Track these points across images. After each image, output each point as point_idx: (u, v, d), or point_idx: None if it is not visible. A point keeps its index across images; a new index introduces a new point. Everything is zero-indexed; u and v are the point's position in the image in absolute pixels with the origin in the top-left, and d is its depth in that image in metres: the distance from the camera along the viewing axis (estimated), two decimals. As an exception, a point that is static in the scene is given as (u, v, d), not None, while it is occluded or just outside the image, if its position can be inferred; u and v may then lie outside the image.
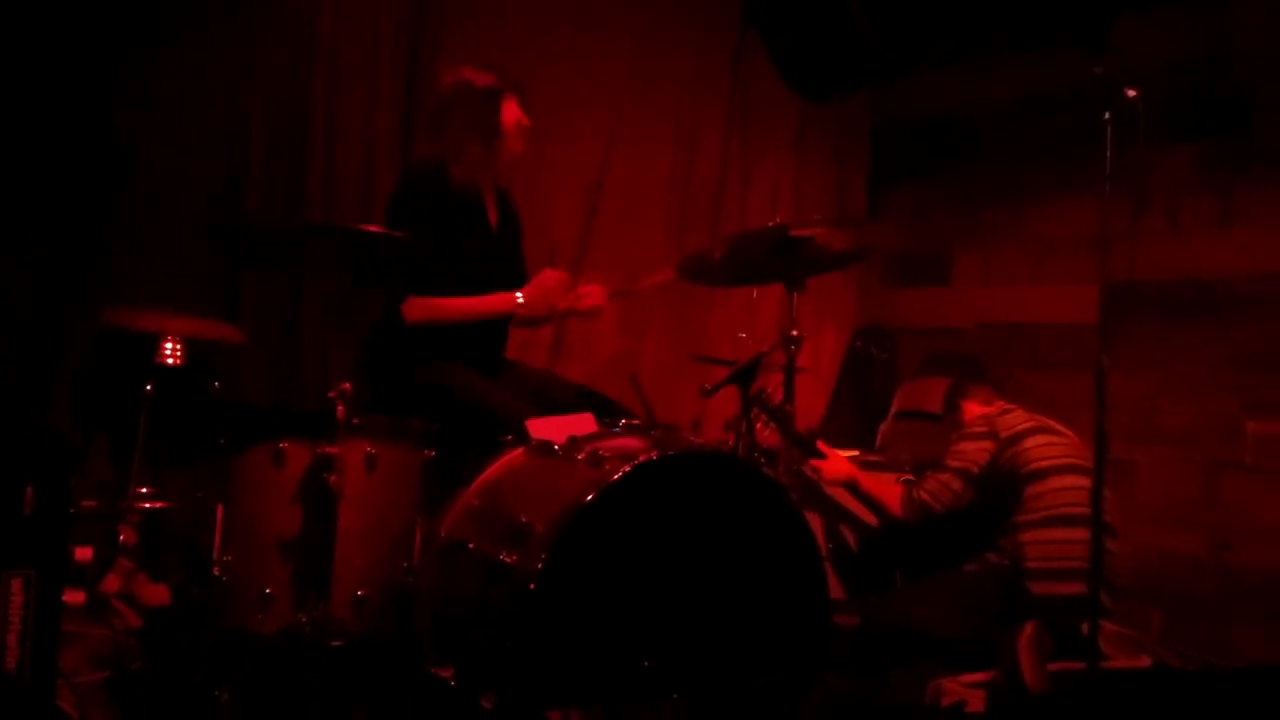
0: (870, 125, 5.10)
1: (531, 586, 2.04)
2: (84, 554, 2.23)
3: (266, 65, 3.59)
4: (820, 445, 3.50)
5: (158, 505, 2.96)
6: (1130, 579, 3.77)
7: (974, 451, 3.44)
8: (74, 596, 2.18)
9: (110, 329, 3.19)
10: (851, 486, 3.60)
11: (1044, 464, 3.34)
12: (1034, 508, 3.31)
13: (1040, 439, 3.40)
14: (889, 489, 3.56)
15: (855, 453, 4.12)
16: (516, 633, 2.08)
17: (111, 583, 2.22)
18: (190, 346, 3.10)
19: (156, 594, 2.27)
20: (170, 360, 3.08)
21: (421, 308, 3.01)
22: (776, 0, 4.64)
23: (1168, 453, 3.89)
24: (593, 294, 3.32)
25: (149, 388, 3.03)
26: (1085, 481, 3.19)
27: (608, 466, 2.20)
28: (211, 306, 3.41)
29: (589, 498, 2.12)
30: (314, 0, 3.65)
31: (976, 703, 2.94)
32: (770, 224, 4.46)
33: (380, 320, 3.11)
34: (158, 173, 3.43)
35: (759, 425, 3.43)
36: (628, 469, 2.15)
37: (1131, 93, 2.94)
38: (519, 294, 3.08)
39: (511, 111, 3.15)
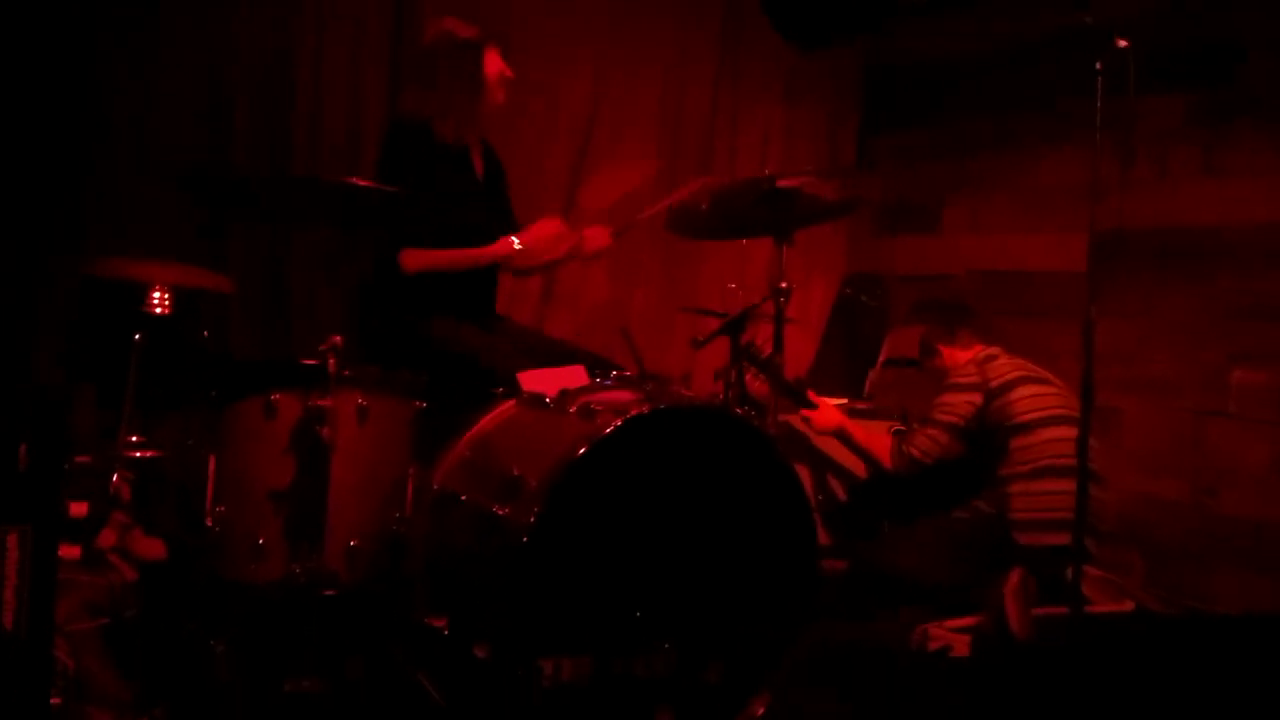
0: (861, 73, 5.06)
1: (524, 540, 2.05)
2: (79, 509, 2.24)
3: (250, 14, 3.52)
4: (810, 395, 3.52)
5: (148, 454, 2.98)
6: (1115, 525, 3.83)
7: (960, 404, 3.48)
8: (70, 551, 2.19)
9: (97, 279, 3.18)
10: (842, 436, 3.63)
11: (1032, 416, 3.38)
12: (1021, 460, 3.35)
13: (1028, 389, 3.43)
14: (879, 439, 3.59)
15: (844, 400, 4.15)
16: (509, 584, 2.10)
17: (107, 537, 2.23)
18: (178, 295, 3.08)
19: (152, 548, 2.29)
20: (158, 309, 3.07)
21: (418, 258, 3.01)
22: (767, -55, 4.59)
23: (1154, 401, 3.92)
24: (597, 236, 3.32)
25: (137, 337, 3.01)
26: (1072, 433, 3.19)
27: (599, 420, 2.21)
28: (200, 256, 3.38)
29: (581, 451, 2.12)
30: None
31: (962, 648, 3.00)
32: (758, 175, 4.51)
33: (371, 273, 3.10)
34: (141, 123, 3.38)
35: (749, 376, 3.45)
36: (619, 422, 2.15)
37: (1122, 43, 2.93)
38: (515, 240, 3.07)
39: (494, 63, 3.13)
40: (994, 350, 3.59)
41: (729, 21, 4.62)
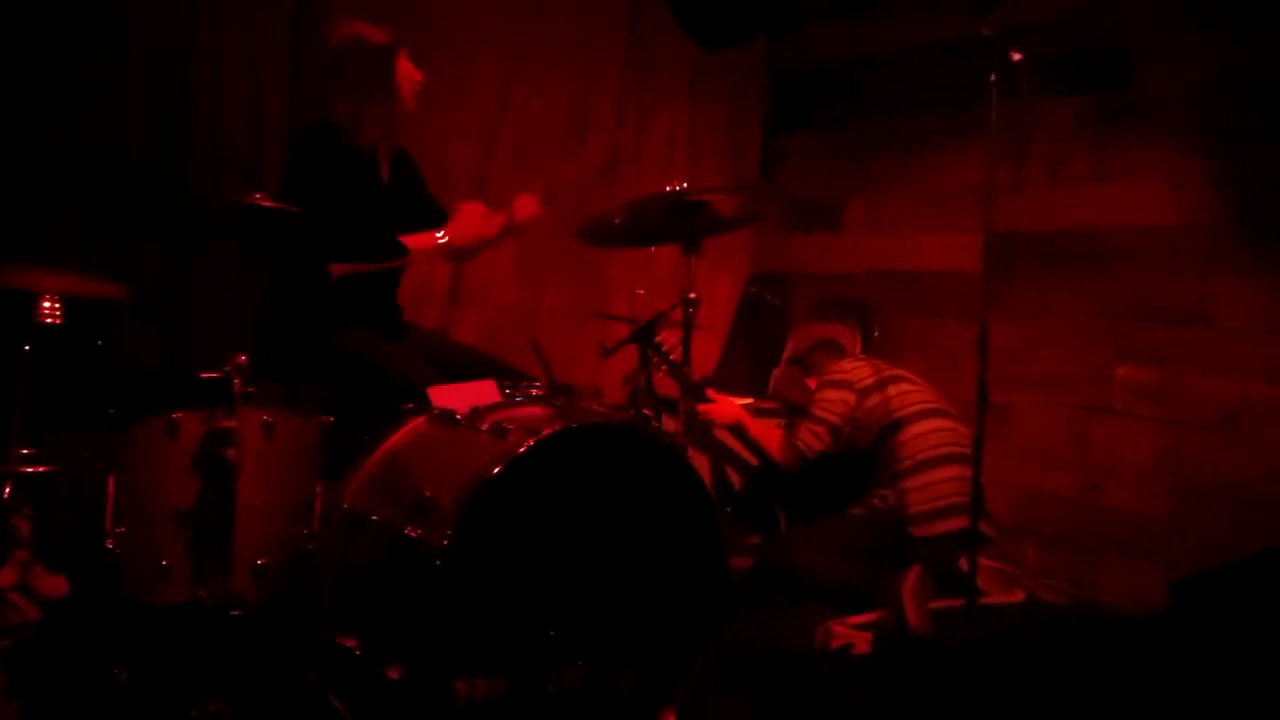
0: (766, 74, 5.12)
1: (438, 562, 2.06)
2: None
3: (146, 20, 3.41)
4: (709, 392, 3.62)
5: (41, 469, 2.89)
6: (1007, 517, 3.99)
7: (835, 402, 3.62)
8: None
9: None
10: (737, 430, 3.73)
11: (906, 411, 3.55)
12: (904, 455, 3.50)
13: (896, 388, 3.60)
14: (772, 433, 3.70)
15: (749, 400, 4.23)
16: (422, 606, 2.11)
17: (7, 575, 2.16)
18: (70, 304, 2.98)
19: (54, 585, 2.23)
20: (49, 319, 2.97)
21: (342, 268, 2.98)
22: (672, -55, 4.61)
23: (1044, 397, 4.07)
24: (526, 204, 3.29)
25: (26, 348, 2.92)
26: (947, 423, 3.54)
27: (512, 439, 2.22)
28: (95, 262, 3.28)
29: (494, 471, 2.14)
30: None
31: (864, 645, 3.08)
32: (663, 175, 4.55)
33: (275, 281, 3.05)
34: (31, 130, 3.26)
35: (656, 376, 3.49)
36: (531, 442, 2.17)
37: (1016, 56, 3.05)
38: (440, 233, 3.05)
39: (406, 70, 3.09)
40: (859, 361, 3.78)
41: (635, 22, 4.63)
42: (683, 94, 4.83)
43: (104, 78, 3.34)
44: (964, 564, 3.53)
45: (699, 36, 4.80)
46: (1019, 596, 3.71)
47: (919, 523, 3.44)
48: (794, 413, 3.94)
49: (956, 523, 3.40)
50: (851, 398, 3.60)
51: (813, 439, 3.58)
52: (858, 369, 3.68)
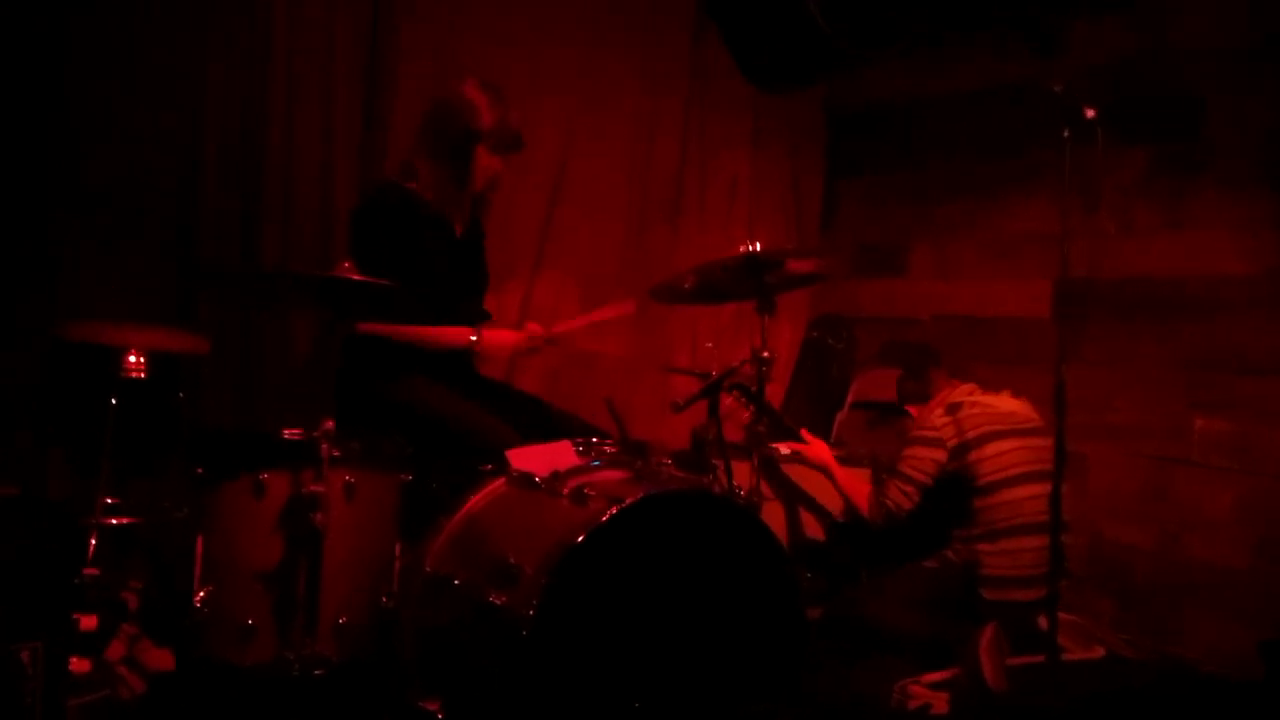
0: (826, 118, 5.12)
1: (524, 632, 2.06)
2: (89, 622, 2.22)
3: (219, 70, 3.48)
4: (803, 433, 3.60)
5: (125, 520, 2.94)
6: (1084, 569, 3.92)
7: (925, 460, 3.50)
8: (80, 664, 2.17)
9: (69, 343, 3.13)
10: (828, 473, 3.69)
11: (997, 476, 3.41)
12: (985, 520, 3.40)
13: (994, 447, 3.44)
14: (861, 486, 3.64)
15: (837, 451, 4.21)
16: (507, 673, 2.11)
17: (116, 649, 2.21)
18: (153, 359, 3.05)
19: (161, 659, 2.27)
20: (134, 373, 3.04)
21: (375, 328, 3.01)
22: (733, -9, 4.64)
23: (1119, 447, 4.01)
24: (567, 322, 3.35)
25: (113, 401, 2.98)
26: (1038, 489, 3.33)
27: (594, 506, 2.23)
28: (172, 317, 3.36)
29: (578, 540, 2.14)
30: (267, 5, 3.54)
31: (941, 704, 3.04)
32: (725, 222, 4.55)
33: (350, 336, 3.09)
34: (109, 183, 3.34)
35: (725, 426, 3.49)
36: (615, 510, 2.17)
37: (1090, 113, 3.01)
38: (473, 336, 3.08)
39: (484, 159, 3.10)
40: (972, 396, 3.59)
41: (696, 68, 4.65)
42: (744, 136, 4.84)
43: (178, 127, 3.41)
44: (1042, 622, 3.48)
45: (758, 79, 4.82)
46: (1099, 653, 3.64)
47: (993, 586, 3.36)
48: (874, 466, 3.91)
49: (1033, 593, 3.31)
50: (942, 455, 3.48)
51: (903, 499, 3.49)
52: (948, 425, 3.52)
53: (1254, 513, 3.64)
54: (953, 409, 3.57)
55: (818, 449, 3.70)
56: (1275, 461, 3.60)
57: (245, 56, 3.51)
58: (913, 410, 3.76)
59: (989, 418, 3.52)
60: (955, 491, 3.48)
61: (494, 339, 3.12)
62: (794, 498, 3.95)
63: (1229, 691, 3.20)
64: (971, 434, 3.47)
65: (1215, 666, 3.52)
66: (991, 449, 3.44)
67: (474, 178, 3.10)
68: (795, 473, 3.86)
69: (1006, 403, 3.60)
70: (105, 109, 3.27)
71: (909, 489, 3.49)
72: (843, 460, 3.94)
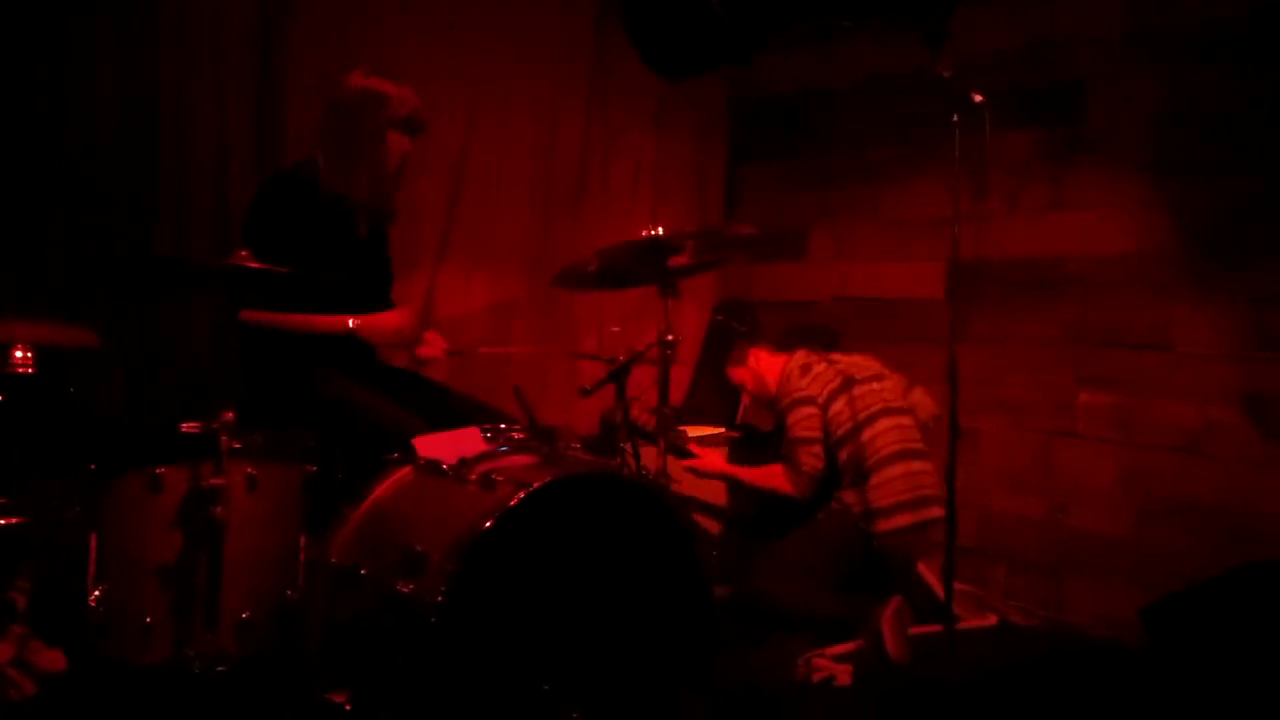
0: (728, 105, 5.17)
1: (432, 619, 2.06)
2: None
3: (107, 54, 3.36)
4: (691, 447, 3.69)
5: (12, 520, 2.85)
6: (975, 540, 4.07)
7: (810, 419, 3.70)
8: None
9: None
10: (731, 478, 3.79)
11: (853, 424, 3.66)
12: (853, 466, 3.64)
13: (843, 399, 3.70)
14: (771, 473, 3.74)
15: (720, 430, 4.28)
16: (416, 661, 2.11)
17: (4, 651, 2.14)
18: (41, 353, 2.95)
19: (52, 660, 2.20)
20: (20, 369, 2.94)
21: (256, 315, 2.96)
22: (633, -22, 4.65)
23: (1008, 421, 4.16)
24: (434, 343, 3.37)
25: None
26: (890, 423, 3.67)
27: (501, 491, 2.23)
28: (63, 308, 3.24)
29: (486, 525, 2.14)
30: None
31: (845, 676, 3.12)
32: (629, 207, 4.57)
33: (247, 327, 3.03)
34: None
35: (634, 405, 3.52)
36: (523, 495, 2.18)
37: (978, 98, 3.11)
38: (351, 321, 3.02)
39: (395, 141, 3.09)
40: (803, 359, 3.85)
41: (599, 52, 4.65)
42: (647, 123, 4.86)
43: (71, 109, 3.29)
44: (929, 577, 3.61)
45: (659, 66, 4.84)
46: (992, 620, 3.78)
47: (881, 517, 3.57)
48: (756, 442, 4.00)
49: (919, 515, 3.57)
50: (816, 411, 3.70)
51: (814, 460, 3.66)
52: (810, 384, 3.76)
53: (1135, 482, 3.81)
54: (805, 369, 3.81)
55: (709, 461, 3.83)
56: (1154, 433, 3.77)
57: (136, 42, 3.40)
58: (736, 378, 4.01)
59: (834, 374, 3.77)
60: (835, 439, 3.69)
61: (373, 322, 3.05)
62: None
63: (1116, 657, 3.35)
64: (830, 387, 3.73)
65: (1102, 632, 3.69)
66: (842, 400, 3.69)
67: (386, 161, 3.07)
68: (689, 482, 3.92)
69: (844, 358, 3.86)
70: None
71: (814, 449, 3.66)
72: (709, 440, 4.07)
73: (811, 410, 3.70)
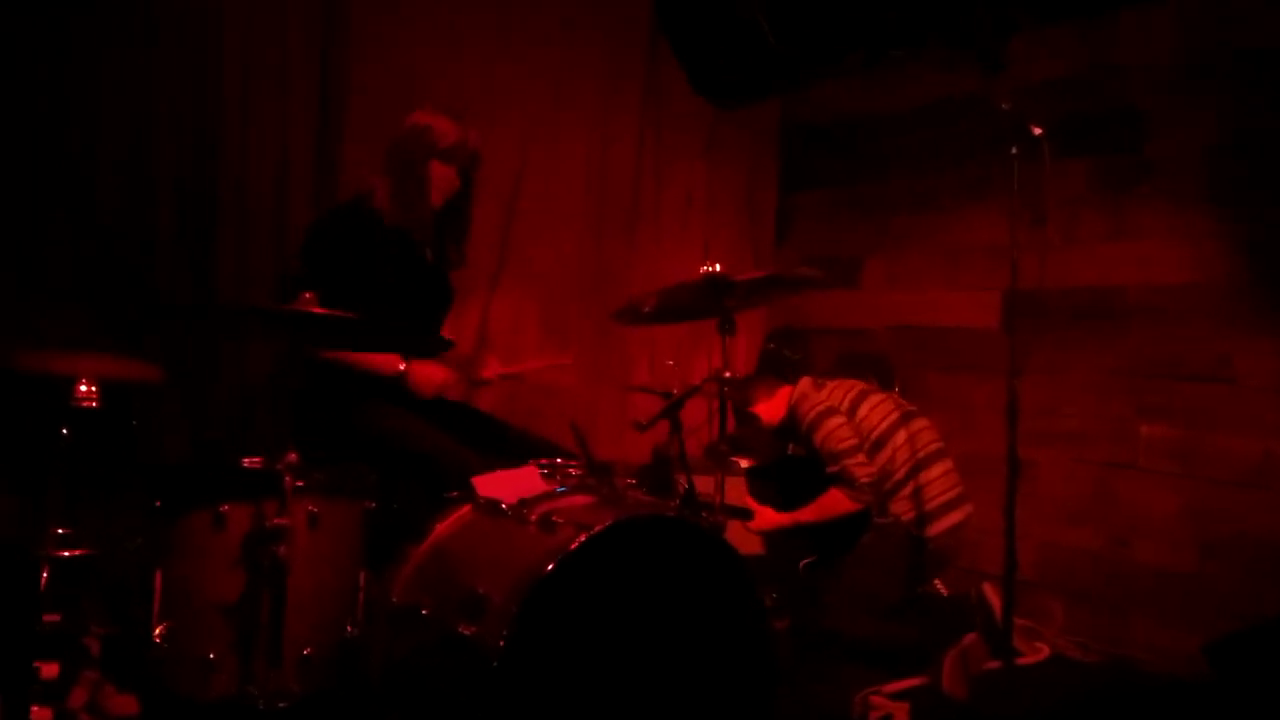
0: (780, 132, 5.17)
1: (495, 663, 2.06)
2: (50, 670, 2.18)
3: (169, 90, 3.43)
4: (750, 505, 3.77)
5: (78, 552, 2.89)
6: (1032, 573, 4.01)
7: (838, 428, 3.71)
8: (42, 714, 2.13)
9: (18, 373, 3.07)
10: (790, 526, 3.78)
11: (877, 433, 3.72)
12: (895, 465, 3.66)
13: (864, 409, 3.77)
14: (828, 501, 3.71)
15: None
16: (478, 703, 2.11)
17: (79, 696, 2.17)
18: (105, 388, 3.00)
19: (125, 705, 2.23)
20: (85, 403, 2.99)
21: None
22: (685, 7, 4.66)
23: (1067, 453, 4.10)
24: (490, 367, 3.43)
25: (64, 431, 2.93)
26: (911, 429, 3.73)
27: (562, 534, 2.23)
28: (124, 344, 3.30)
29: (547, 569, 2.14)
30: (217, 8, 3.50)
31: (902, 715, 3.09)
32: (680, 233, 4.58)
33: (308, 361, 3.07)
34: (51, 204, 3.28)
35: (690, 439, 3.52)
36: (584, 538, 2.18)
37: (1037, 130, 3.09)
38: (402, 365, 3.07)
39: (440, 173, 3.15)
40: (811, 382, 3.90)
41: (650, 81, 4.68)
42: (699, 151, 4.88)
43: (127, 149, 3.36)
44: (993, 600, 3.57)
45: (710, 94, 4.86)
46: (1045, 651, 3.73)
47: (935, 517, 3.61)
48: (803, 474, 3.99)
49: (963, 512, 3.64)
50: (843, 419, 3.73)
51: (860, 468, 3.66)
52: (830, 395, 3.82)
53: (1198, 516, 3.73)
54: (818, 385, 3.88)
55: (765, 518, 3.81)
56: (1216, 466, 3.70)
57: (196, 78, 3.47)
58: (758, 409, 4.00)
59: (847, 387, 3.85)
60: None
61: (422, 372, 3.10)
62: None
63: (1178, 693, 3.29)
64: (846, 400, 3.79)
65: (1162, 667, 3.61)
66: (865, 406, 3.77)
67: (427, 190, 3.12)
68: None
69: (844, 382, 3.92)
70: (50, 132, 3.21)
71: (858, 457, 3.67)
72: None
73: (839, 419, 3.73)
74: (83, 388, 2.96)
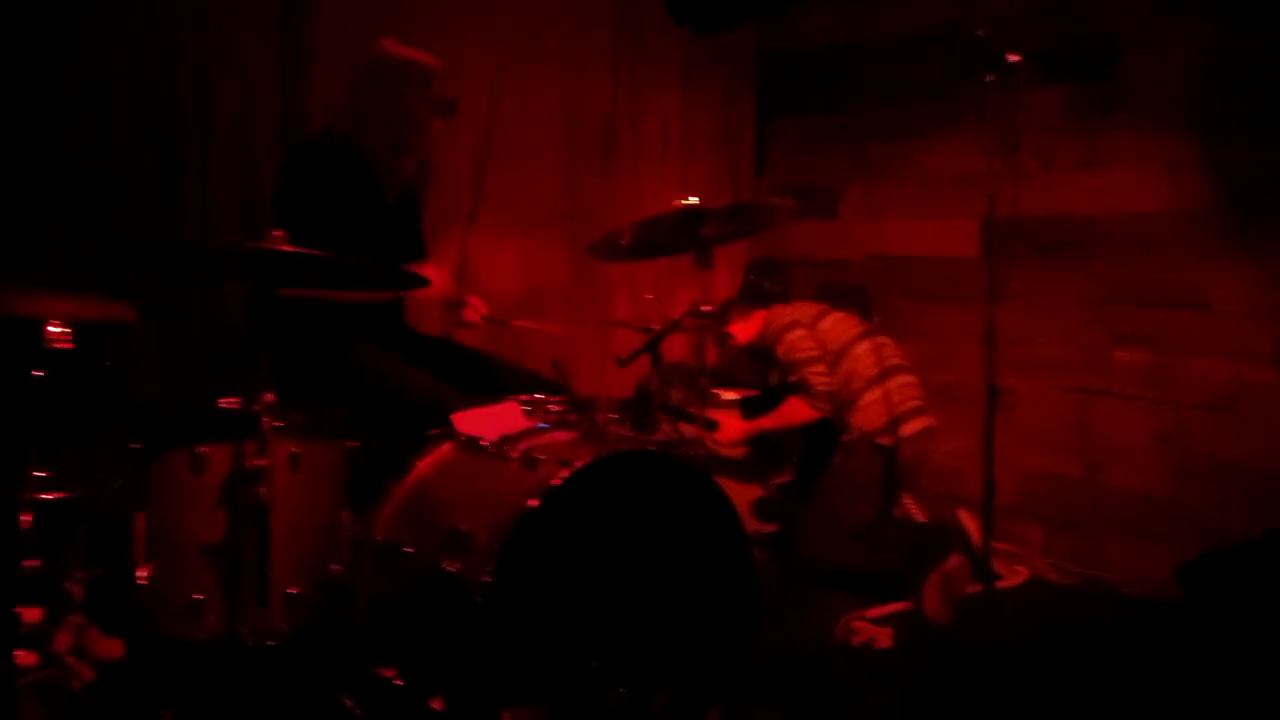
0: (757, 60, 5.10)
1: (479, 599, 2.08)
2: (33, 615, 2.18)
3: (130, 21, 3.34)
4: (711, 415, 3.71)
5: (57, 495, 2.88)
6: (1011, 499, 4.06)
7: (803, 339, 3.80)
8: (26, 658, 2.13)
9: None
10: (756, 434, 3.78)
11: (843, 340, 3.81)
12: (855, 377, 3.74)
13: (826, 321, 3.87)
14: (787, 409, 3.79)
15: (755, 393, 4.27)
16: (464, 639, 2.13)
17: (63, 640, 2.17)
18: (78, 329, 2.96)
19: (110, 647, 2.23)
20: (57, 344, 2.95)
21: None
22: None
23: (1043, 380, 4.13)
24: (475, 308, 3.38)
25: (38, 373, 2.90)
26: (866, 346, 3.81)
27: (544, 470, 2.24)
28: (94, 282, 3.25)
29: (530, 505, 2.15)
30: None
31: (884, 639, 3.14)
32: (659, 167, 4.53)
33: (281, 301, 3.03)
34: (16, 142, 3.20)
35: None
36: (566, 474, 2.18)
37: (1013, 58, 3.07)
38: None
39: (438, 125, 3.12)
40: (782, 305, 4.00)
41: (624, 12, 4.60)
42: (674, 82, 4.81)
43: (88, 78, 3.28)
44: (969, 526, 3.61)
45: (688, 20, 4.78)
46: (1024, 574, 3.80)
47: (901, 423, 3.67)
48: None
49: (925, 420, 3.71)
50: (805, 331, 3.82)
51: (818, 378, 3.73)
52: (794, 310, 3.92)
53: (1172, 441, 3.79)
54: (788, 305, 3.98)
55: (729, 430, 3.84)
56: (1191, 392, 3.75)
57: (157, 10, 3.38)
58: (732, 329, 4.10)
59: (803, 309, 3.94)
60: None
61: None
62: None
63: (1154, 615, 3.36)
64: (808, 315, 3.89)
65: (1138, 590, 3.69)
66: (829, 320, 3.87)
67: (428, 144, 3.11)
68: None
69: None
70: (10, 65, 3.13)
71: (818, 367, 3.75)
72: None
73: (801, 331, 3.81)
74: (53, 329, 2.93)
